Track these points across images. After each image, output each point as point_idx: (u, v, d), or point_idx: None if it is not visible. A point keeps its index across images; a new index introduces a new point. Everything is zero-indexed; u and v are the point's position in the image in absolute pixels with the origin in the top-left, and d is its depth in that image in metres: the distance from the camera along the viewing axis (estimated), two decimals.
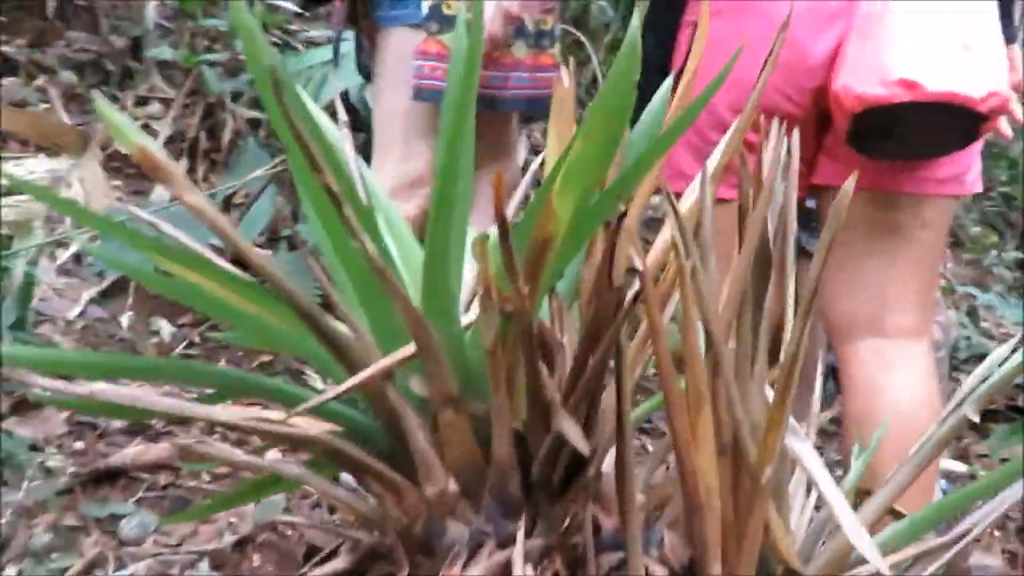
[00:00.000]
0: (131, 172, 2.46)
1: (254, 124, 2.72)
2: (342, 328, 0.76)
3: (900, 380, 1.19)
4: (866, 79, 1.04)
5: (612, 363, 0.72)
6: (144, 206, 2.23)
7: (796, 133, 0.85)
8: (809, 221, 1.49)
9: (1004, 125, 1.25)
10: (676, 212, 0.74)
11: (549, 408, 0.69)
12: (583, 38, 3.26)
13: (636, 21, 0.63)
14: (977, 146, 1.18)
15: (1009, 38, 1.26)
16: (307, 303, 0.72)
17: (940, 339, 1.77)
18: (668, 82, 0.93)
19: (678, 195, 1.25)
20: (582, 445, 0.65)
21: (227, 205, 2.35)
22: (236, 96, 2.67)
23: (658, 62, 1.23)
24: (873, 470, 0.95)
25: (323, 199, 0.67)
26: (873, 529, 0.86)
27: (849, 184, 0.70)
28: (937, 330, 1.75)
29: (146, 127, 2.57)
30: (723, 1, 1.15)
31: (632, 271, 0.68)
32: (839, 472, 1.34)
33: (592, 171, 0.67)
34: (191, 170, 2.48)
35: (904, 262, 1.21)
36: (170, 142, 2.55)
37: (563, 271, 0.76)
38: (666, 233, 0.81)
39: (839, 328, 1.23)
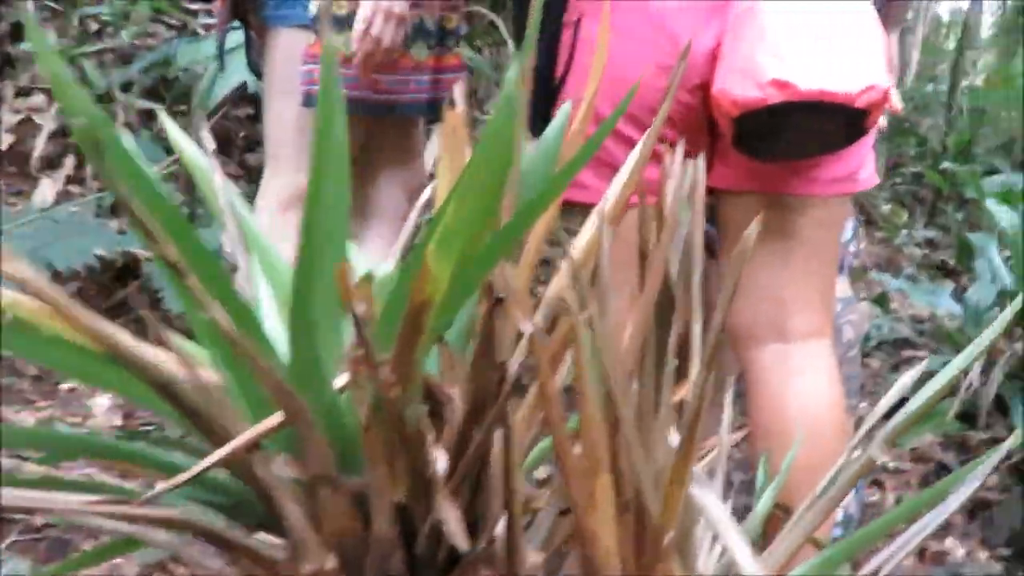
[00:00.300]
0: (12, 171, 2.30)
1: (149, 116, 2.57)
2: (206, 392, 0.68)
3: (806, 385, 1.17)
4: (741, 82, 1.00)
5: None
6: (26, 210, 2.08)
7: (702, 160, 0.81)
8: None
9: (895, 99, 1.23)
10: (571, 259, 0.69)
11: (431, 485, 0.63)
12: (496, 20, 3.18)
13: (513, 73, 0.56)
14: (868, 140, 1.16)
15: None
16: (158, 372, 0.64)
17: (852, 338, 1.77)
18: (566, 108, 0.87)
19: (572, 204, 1.21)
20: (460, 540, 0.59)
21: (114, 210, 2.20)
22: (127, 86, 2.52)
23: (543, 64, 1.18)
24: (787, 481, 0.93)
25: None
26: (788, 566, 0.83)
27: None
28: (849, 329, 1.76)
29: (28, 120, 2.40)
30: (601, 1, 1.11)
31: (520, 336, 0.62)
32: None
33: (470, 231, 0.60)
34: (78, 167, 2.32)
35: (800, 264, 1.18)
36: (55, 136, 2.39)
37: (446, 328, 0.69)
38: (563, 274, 0.75)
39: (740, 334, 1.21)
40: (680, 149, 0.85)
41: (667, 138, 1.12)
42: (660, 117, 0.89)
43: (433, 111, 1.52)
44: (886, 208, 4.52)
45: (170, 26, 2.88)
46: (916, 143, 5.28)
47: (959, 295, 2.71)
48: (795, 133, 1.04)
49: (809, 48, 0.99)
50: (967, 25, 6.44)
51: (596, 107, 1.13)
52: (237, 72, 2.01)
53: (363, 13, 1.34)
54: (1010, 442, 0.92)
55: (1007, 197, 3.93)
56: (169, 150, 2.35)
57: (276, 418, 0.67)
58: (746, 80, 1.00)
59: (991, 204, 2.44)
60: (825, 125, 1.03)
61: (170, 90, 2.60)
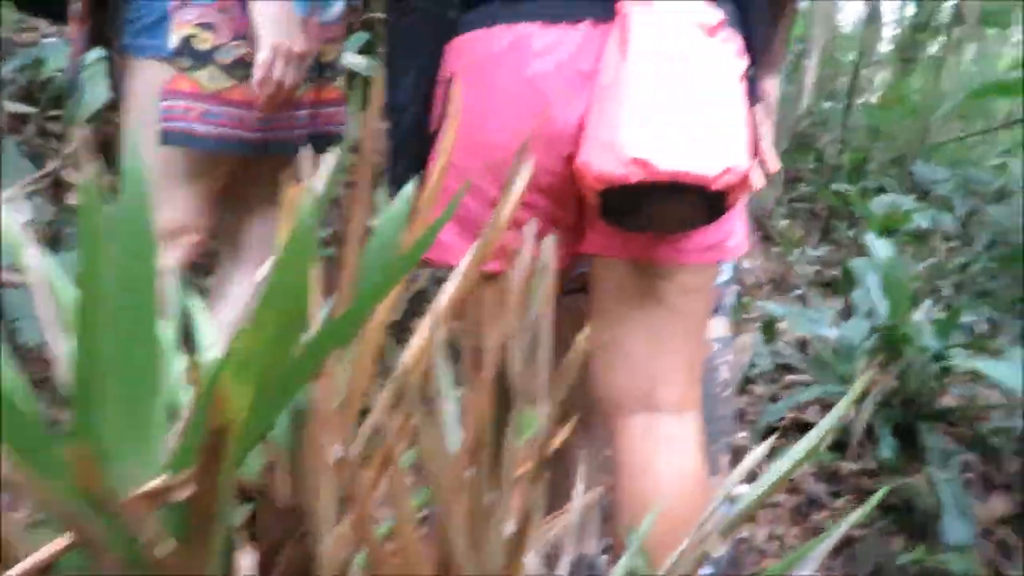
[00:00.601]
0: None
1: (21, 120, 2.42)
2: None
3: (671, 457, 1.18)
4: (603, 157, 0.99)
5: None
6: None
7: (552, 240, 0.79)
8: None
9: (758, 177, 1.25)
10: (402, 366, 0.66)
11: None
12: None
13: (307, 218, 0.53)
14: (736, 211, 1.17)
15: (753, 100, 1.25)
16: None
17: (727, 378, 1.80)
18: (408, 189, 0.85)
19: (432, 264, 1.19)
20: None
21: None
22: None
23: (413, 120, 1.15)
24: (647, 550, 0.93)
25: None
26: None
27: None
28: (725, 370, 1.78)
29: None
30: (472, 58, 1.08)
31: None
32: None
33: (269, 355, 0.57)
34: None
35: (669, 333, 1.19)
36: None
37: (254, 444, 0.66)
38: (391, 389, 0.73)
39: (607, 402, 1.21)
40: (532, 228, 0.84)
41: (536, 204, 1.10)
42: (515, 190, 0.88)
43: (315, 146, 1.47)
44: (783, 223, 4.64)
45: (47, 36, 2.72)
46: (814, 158, 5.44)
47: (847, 314, 2.80)
48: (656, 209, 1.04)
49: (671, 127, 0.99)
50: (864, 41, 6.65)
51: (467, 169, 1.12)
52: (95, 97, 1.90)
53: (263, 56, 1.28)
54: (881, 494, 0.95)
55: (889, 221, 4.11)
56: (36, 160, 2.22)
57: (62, 541, 0.63)
58: (608, 155, 0.99)
59: (870, 237, 2.51)
60: (684, 204, 1.03)
61: (44, 92, 2.46)
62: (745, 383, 2.56)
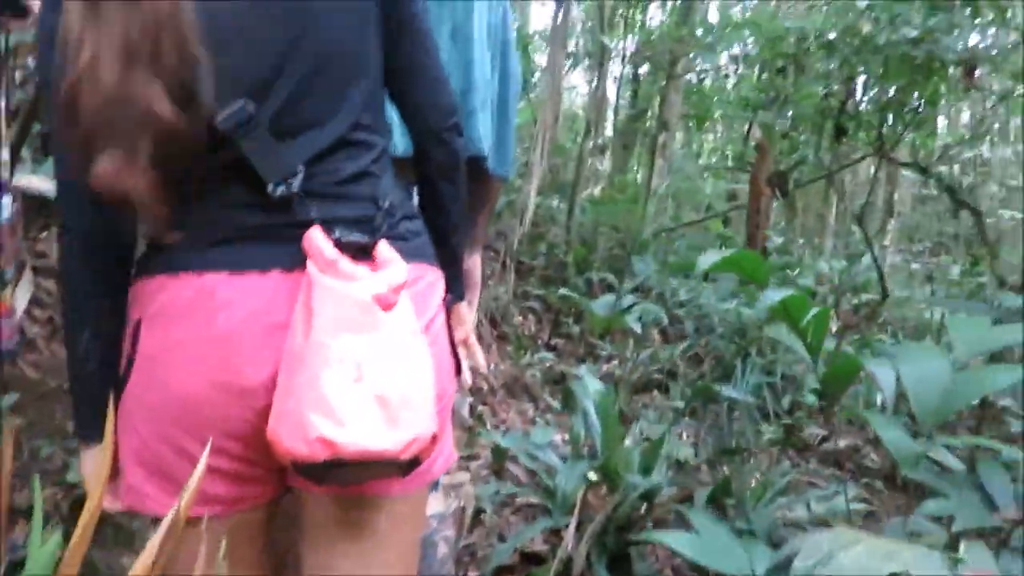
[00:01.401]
0: None
1: None
2: None
3: None
4: (291, 433, 0.99)
5: None
6: None
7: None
8: None
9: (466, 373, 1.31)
10: None
11: None
12: None
13: None
14: (445, 429, 1.20)
15: (457, 297, 1.31)
16: None
17: (446, 552, 1.84)
18: None
19: (132, 511, 1.13)
20: None
21: None
22: None
23: (96, 368, 1.08)
24: None
25: None
26: None
27: None
28: (443, 545, 1.82)
29: None
30: (158, 307, 1.04)
31: None
32: None
33: None
34: None
35: (381, 561, 1.19)
36: None
37: None
38: None
39: None
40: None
41: (233, 451, 1.07)
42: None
43: None
44: (518, 319, 4.86)
45: None
46: (545, 252, 5.77)
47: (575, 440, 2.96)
48: (349, 476, 1.05)
49: (353, 406, 1.00)
50: (588, 125, 7.11)
51: (156, 417, 1.06)
52: None
53: None
54: None
55: (608, 323, 4.43)
56: None
57: None
58: (295, 432, 0.98)
59: (582, 371, 2.70)
60: (376, 470, 1.04)
61: None
62: (476, 514, 2.62)
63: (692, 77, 7.64)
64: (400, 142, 1.34)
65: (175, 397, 1.05)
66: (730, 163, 8.70)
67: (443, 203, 1.21)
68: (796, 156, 5.39)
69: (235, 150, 1.00)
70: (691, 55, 6.96)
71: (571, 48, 7.73)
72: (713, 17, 9.03)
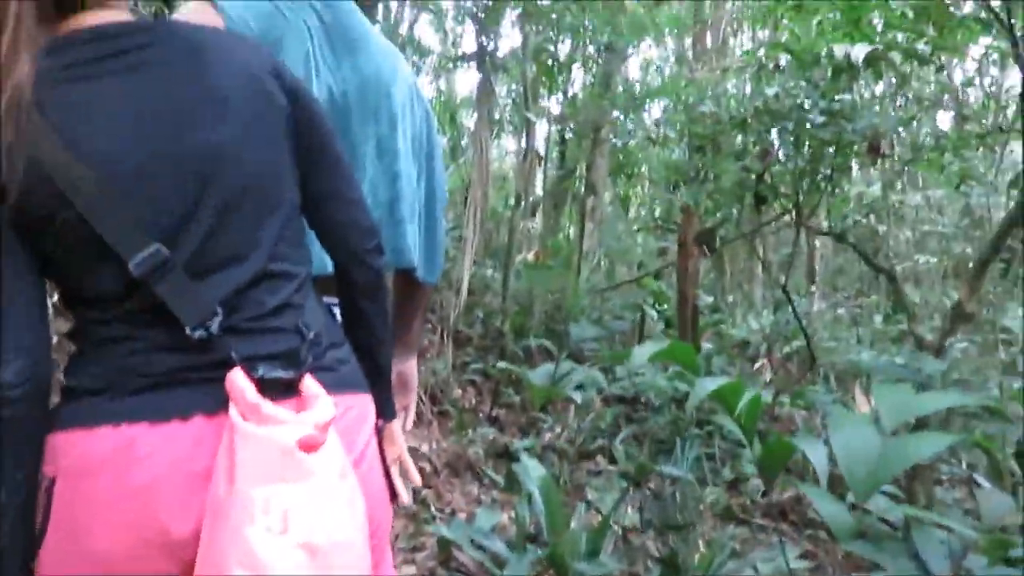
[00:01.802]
0: None
1: None
2: None
3: None
4: None
5: None
6: None
7: None
8: None
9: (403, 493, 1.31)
10: None
11: None
12: None
13: None
14: (382, 562, 1.19)
15: (388, 419, 1.30)
16: None
17: None
18: None
19: None
20: None
21: None
22: None
23: (14, 522, 1.04)
24: None
25: None
26: None
27: None
28: None
29: None
30: (73, 461, 1.00)
31: None
32: None
33: None
34: None
35: None
36: None
37: None
38: None
39: None
40: None
41: None
42: None
43: None
44: (457, 392, 4.85)
45: None
46: (484, 316, 5.79)
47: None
48: None
49: (281, 557, 0.98)
50: (519, 187, 7.18)
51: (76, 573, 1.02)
52: None
53: None
54: None
55: (549, 393, 4.45)
56: None
57: None
58: None
59: (523, 457, 2.70)
60: None
61: None
62: None
63: (617, 142, 7.84)
64: (330, 261, 1.35)
65: (99, 561, 1.01)
66: (658, 220, 8.90)
67: (367, 321, 1.20)
68: (720, 215, 5.56)
69: (151, 295, 0.98)
70: (615, 115, 7.14)
71: (497, 116, 7.86)
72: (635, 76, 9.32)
